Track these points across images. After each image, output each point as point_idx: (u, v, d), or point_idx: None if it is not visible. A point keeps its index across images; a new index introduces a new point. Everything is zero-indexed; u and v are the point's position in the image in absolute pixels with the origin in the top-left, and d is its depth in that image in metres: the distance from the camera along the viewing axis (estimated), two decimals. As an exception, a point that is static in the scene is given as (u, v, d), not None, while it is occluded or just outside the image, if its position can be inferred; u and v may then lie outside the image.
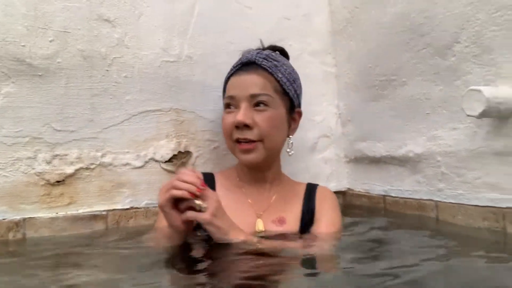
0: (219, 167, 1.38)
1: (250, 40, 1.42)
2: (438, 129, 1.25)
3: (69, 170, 1.21)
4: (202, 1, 1.40)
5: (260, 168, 1.22)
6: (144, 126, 1.31)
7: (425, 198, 1.31)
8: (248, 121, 1.13)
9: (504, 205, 1.08)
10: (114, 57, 1.26)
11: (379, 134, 1.45)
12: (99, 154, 1.25)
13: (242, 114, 1.14)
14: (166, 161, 1.33)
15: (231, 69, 1.23)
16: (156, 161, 1.32)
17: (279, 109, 1.18)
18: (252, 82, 1.16)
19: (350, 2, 1.54)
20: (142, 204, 1.29)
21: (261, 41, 1.31)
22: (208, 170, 1.33)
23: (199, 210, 0.98)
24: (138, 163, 1.30)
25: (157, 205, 1.05)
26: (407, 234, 1.18)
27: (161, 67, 1.33)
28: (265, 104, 1.15)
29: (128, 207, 1.28)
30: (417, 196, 1.34)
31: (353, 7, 1.51)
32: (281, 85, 1.19)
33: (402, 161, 1.37)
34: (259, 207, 1.21)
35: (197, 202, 0.97)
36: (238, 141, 1.16)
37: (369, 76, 1.46)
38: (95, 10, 1.24)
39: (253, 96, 1.15)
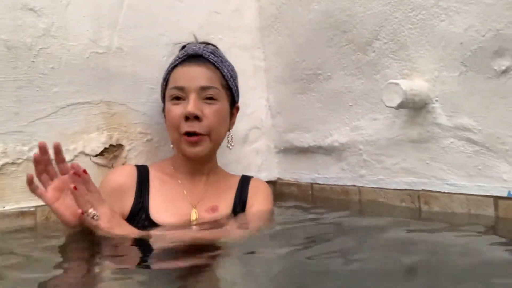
0: (152, 160, 1.37)
1: (180, 33, 1.43)
2: (360, 119, 1.34)
3: (-6, 165, 1.15)
4: (132, -8, 1.38)
5: (201, 161, 1.24)
6: (73, 119, 1.27)
7: (348, 184, 1.40)
8: (198, 112, 1.15)
9: (419, 188, 1.20)
10: (40, 48, 1.22)
11: (307, 125, 1.52)
12: (26, 148, 1.20)
13: (192, 106, 1.15)
14: (97, 155, 1.31)
15: (176, 60, 1.23)
16: (86, 154, 1.29)
17: (224, 103, 1.21)
18: (202, 75, 1.18)
19: (277, -1, 1.59)
20: (73, 199, 1.26)
21: (194, 36, 1.33)
22: (141, 163, 1.32)
23: (92, 217, 0.98)
24: (67, 157, 1.25)
25: None
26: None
27: (90, 59, 1.30)
28: (214, 98, 1.18)
29: (58, 202, 1.24)
30: (341, 183, 1.42)
31: (280, 3, 1.57)
32: (226, 80, 1.22)
33: (328, 150, 1.46)
34: (193, 198, 1.23)
35: (90, 211, 0.98)
36: (186, 133, 1.16)
37: (297, 70, 1.53)
38: (19, -2, 1.19)
39: (203, 88, 1.17)
